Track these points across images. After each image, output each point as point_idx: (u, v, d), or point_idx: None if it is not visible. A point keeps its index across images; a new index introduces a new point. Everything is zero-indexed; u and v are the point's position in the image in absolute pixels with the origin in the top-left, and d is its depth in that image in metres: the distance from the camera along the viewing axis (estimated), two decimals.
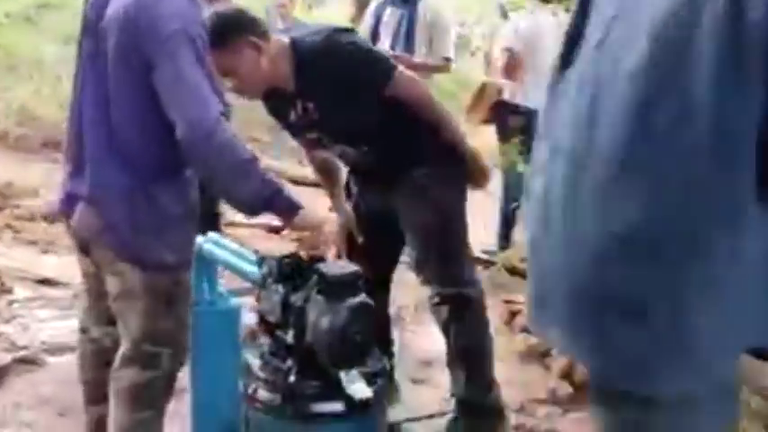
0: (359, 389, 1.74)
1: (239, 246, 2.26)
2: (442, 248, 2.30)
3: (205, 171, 1.78)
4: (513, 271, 4.32)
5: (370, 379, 1.79)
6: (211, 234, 2.34)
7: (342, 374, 1.75)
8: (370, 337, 1.74)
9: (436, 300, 2.28)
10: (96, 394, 2.18)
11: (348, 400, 1.73)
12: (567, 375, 3.08)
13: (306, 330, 1.73)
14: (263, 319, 1.86)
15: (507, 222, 4.55)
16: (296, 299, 1.77)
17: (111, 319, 2.03)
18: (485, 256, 4.35)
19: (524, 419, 2.76)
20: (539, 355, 3.24)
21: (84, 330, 2.19)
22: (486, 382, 2.35)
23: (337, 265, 1.77)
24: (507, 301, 3.75)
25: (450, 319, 2.27)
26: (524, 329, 3.51)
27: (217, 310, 2.35)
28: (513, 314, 3.64)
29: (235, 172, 1.74)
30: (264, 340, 1.90)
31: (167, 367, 1.98)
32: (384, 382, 1.83)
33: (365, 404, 1.74)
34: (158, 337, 1.94)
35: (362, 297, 1.74)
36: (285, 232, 5.38)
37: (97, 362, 2.17)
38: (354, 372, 1.76)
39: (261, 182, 1.78)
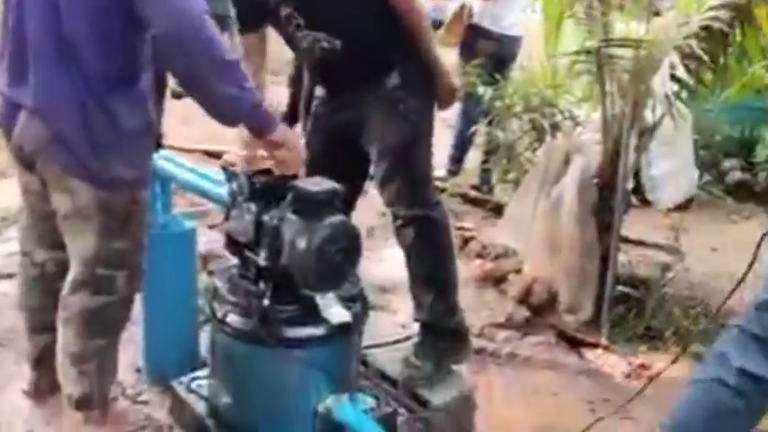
0: (336, 313, 1.66)
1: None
2: (411, 167, 2.20)
3: (188, 68, 1.59)
4: (464, 198, 4.30)
5: (347, 302, 1.70)
6: (163, 152, 2.17)
7: (318, 298, 1.66)
8: (349, 259, 1.64)
9: (401, 222, 2.19)
10: (40, 322, 2.04)
11: (325, 324, 1.65)
12: (523, 300, 3.09)
13: (281, 251, 1.61)
14: (231, 240, 1.73)
15: (462, 147, 4.49)
16: (269, 218, 1.65)
17: (56, 242, 1.87)
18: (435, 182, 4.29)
19: (484, 343, 2.76)
20: (494, 281, 3.23)
21: (25, 254, 2.02)
22: (451, 305, 2.30)
23: (313, 181, 1.65)
24: (459, 228, 3.72)
25: (416, 241, 2.19)
26: (479, 255, 3.51)
27: (172, 233, 2.20)
28: (467, 240, 3.62)
29: (220, 71, 1.58)
30: (232, 262, 1.78)
31: (123, 291, 1.85)
32: (361, 306, 1.74)
33: (343, 328, 1.66)
34: (113, 259, 1.80)
35: (340, 216, 1.64)
36: (227, 157, 5.20)
37: (41, 287, 2.01)
38: (331, 295, 1.67)
39: (243, 88, 1.63)
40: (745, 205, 4.79)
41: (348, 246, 1.63)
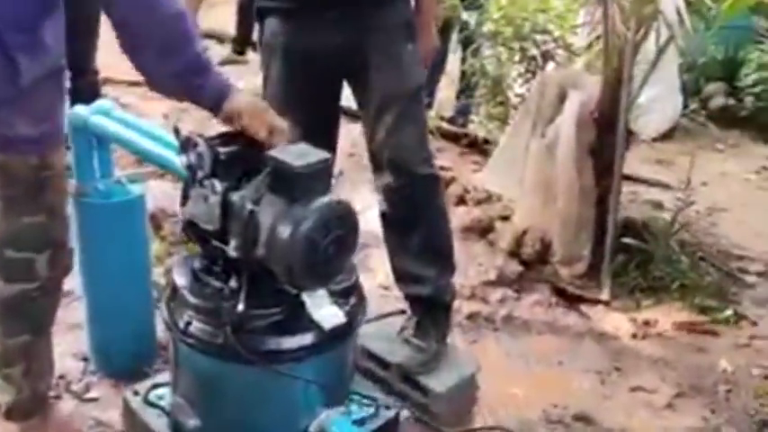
0: (329, 314, 1.33)
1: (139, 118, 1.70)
2: (419, 119, 1.86)
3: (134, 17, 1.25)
4: (438, 132, 3.93)
5: (339, 299, 1.37)
6: (102, 102, 1.75)
7: (305, 297, 1.33)
8: (344, 247, 1.30)
9: (405, 182, 1.84)
10: None
11: (316, 329, 1.32)
12: (514, 253, 2.81)
13: (256, 241, 1.26)
14: (190, 226, 1.37)
15: (433, 77, 4.09)
16: (240, 199, 1.29)
17: None
18: None
19: (478, 307, 2.48)
20: (481, 231, 2.93)
21: None
22: (452, 275, 2.00)
23: (296, 151, 1.28)
24: (440, 168, 3.37)
25: (422, 206, 1.87)
26: (461, 200, 3.19)
27: (114, 202, 1.82)
28: (447, 183, 3.28)
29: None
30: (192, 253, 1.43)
31: (44, 276, 1.51)
32: (357, 301, 1.42)
33: (338, 333, 1.33)
34: (25, 238, 1.46)
35: (332, 195, 1.29)
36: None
37: None
38: (322, 292, 1.33)
39: (193, 61, 1.31)
40: (729, 132, 4.56)
41: (343, 232, 1.29)
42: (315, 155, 1.28)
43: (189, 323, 1.31)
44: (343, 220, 1.28)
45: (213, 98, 1.33)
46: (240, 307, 1.28)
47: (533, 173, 2.79)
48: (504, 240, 2.83)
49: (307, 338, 1.32)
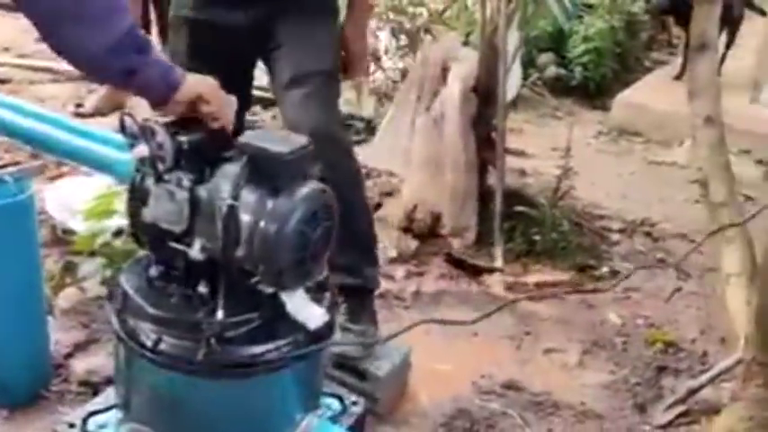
0: (312, 314, 1.21)
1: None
2: (326, 103, 1.76)
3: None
4: None
5: (315, 294, 1.26)
6: None
7: (285, 297, 1.20)
8: (327, 240, 1.19)
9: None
10: None
11: (298, 331, 1.20)
12: (406, 228, 2.80)
13: (237, 240, 1.11)
14: (147, 230, 1.18)
15: None
16: (211, 193, 1.13)
17: None
18: None
19: (386, 285, 2.43)
20: (372, 208, 2.88)
21: None
22: (377, 264, 1.96)
23: (273, 137, 1.14)
24: None
25: (344, 194, 1.78)
26: None
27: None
28: None
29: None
30: (143, 257, 1.24)
31: None
32: (331, 294, 1.31)
33: (320, 333, 1.22)
34: None
35: (315, 183, 1.17)
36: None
37: None
38: (300, 291, 1.22)
39: (129, 34, 1.09)
40: (563, 101, 4.87)
41: (330, 223, 1.18)
42: (294, 140, 1.16)
43: (159, 339, 1.14)
44: (329, 209, 1.18)
45: (163, 81, 1.14)
46: (219, 315, 1.13)
47: (421, 147, 2.79)
48: (395, 216, 2.81)
49: (291, 342, 1.19)
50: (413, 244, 2.72)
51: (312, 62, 1.75)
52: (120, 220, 2.10)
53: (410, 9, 2.92)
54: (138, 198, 1.16)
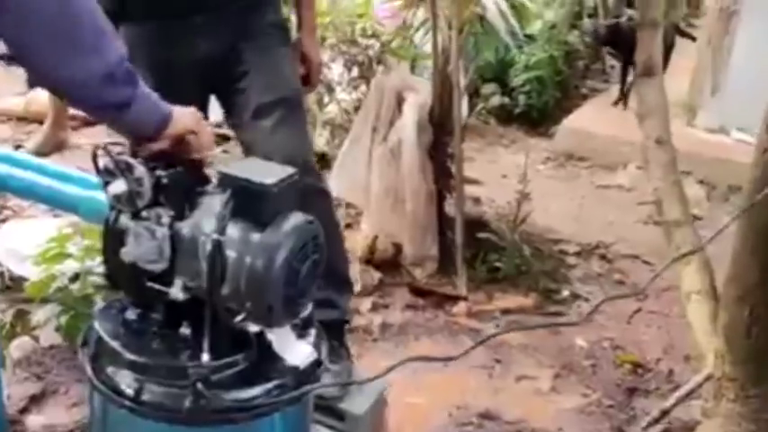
0: (300, 352, 1.16)
1: None
2: (296, 128, 1.72)
3: (35, 30, 0.95)
4: None
5: (302, 332, 1.21)
6: None
7: (271, 335, 1.15)
8: (315, 273, 1.15)
9: None
10: None
11: (287, 371, 1.15)
12: (368, 260, 2.76)
13: (223, 277, 1.06)
14: (115, 268, 1.11)
15: None
16: (194, 230, 1.07)
17: None
18: None
19: (354, 319, 2.38)
20: None
21: None
22: (352, 295, 1.92)
23: (255, 167, 1.10)
24: None
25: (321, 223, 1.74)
26: None
27: None
28: None
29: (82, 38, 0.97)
30: (118, 299, 1.17)
31: None
32: (317, 330, 1.26)
33: (309, 371, 1.17)
34: None
35: (301, 214, 1.12)
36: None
37: None
38: (286, 328, 1.17)
39: (122, 64, 1.04)
40: (508, 129, 4.95)
41: (318, 256, 1.14)
42: (278, 169, 1.11)
43: (140, 387, 1.06)
44: (317, 241, 1.13)
45: (155, 114, 1.09)
46: (205, 357, 1.07)
47: (379, 178, 2.76)
48: (358, 247, 2.77)
49: (280, 383, 1.14)
50: (376, 276, 2.69)
51: (278, 89, 1.72)
52: (75, 264, 2.01)
53: (362, 41, 2.92)
54: (114, 238, 1.09)
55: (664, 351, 2.53)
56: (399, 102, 2.80)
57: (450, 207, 2.91)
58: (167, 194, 1.08)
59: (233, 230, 1.06)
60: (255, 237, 1.06)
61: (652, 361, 2.47)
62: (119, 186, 1.05)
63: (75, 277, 1.96)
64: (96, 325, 1.14)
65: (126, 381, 1.08)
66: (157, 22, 1.64)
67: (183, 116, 1.10)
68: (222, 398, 1.08)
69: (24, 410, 1.80)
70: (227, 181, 1.07)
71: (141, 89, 1.07)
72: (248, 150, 1.73)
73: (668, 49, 4.65)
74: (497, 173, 4.13)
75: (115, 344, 1.11)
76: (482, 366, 2.30)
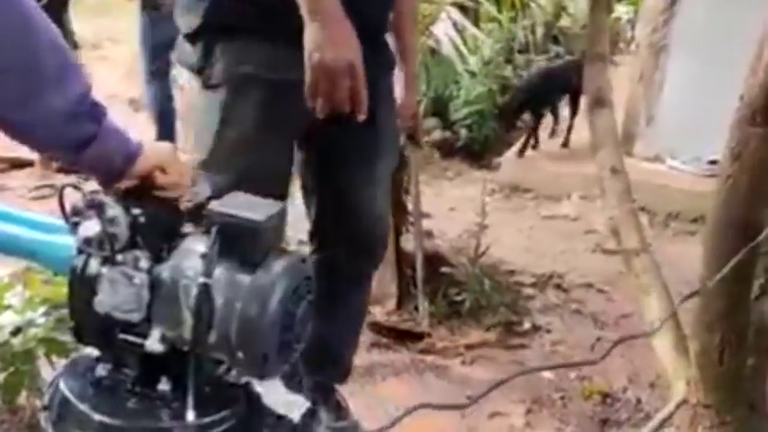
0: (291, 403, 1.06)
1: None
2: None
3: None
4: None
5: (290, 381, 1.11)
6: None
7: (260, 388, 1.04)
8: (307, 317, 1.05)
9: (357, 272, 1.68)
10: None
11: (279, 425, 1.04)
12: None
13: (211, 326, 0.95)
14: (85, 321, 0.99)
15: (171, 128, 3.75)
16: (175, 274, 0.96)
17: None
18: None
19: None
20: None
21: None
22: None
23: (242, 203, 1.00)
24: None
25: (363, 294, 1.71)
26: None
27: None
28: None
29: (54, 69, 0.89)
30: (85, 355, 1.04)
31: None
32: (300, 376, 1.16)
33: (308, 422, 1.07)
34: None
35: (292, 254, 1.03)
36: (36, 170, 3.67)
37: None
38: (276, 380, 1.06)
39: (86, 97, 0.94)
40: (451, 161, 4.96)
41: (312, 297, 1.04)
42: (264, 203, 1.02)
43: None
44: (309, 282, 1.04)
45: (121, 152, 0.98)
46: (190, 417, 0.96)
47: None
48: None
49: None
50: None
51: (394, 145, 1.73)
52: (15, 317, 1.84)
53: None
54: (83, 286, 0.97)
55: (629, 380, 2.51)
56: None
57: (407, 242, 2.85)
58: (144, 235, 0.97)
59: (220, 272, 0.96)
60: (245, 279, 0.96)
61: (619, 390, 2.45)
62: (90, 228, 0.94)
63: (16, 331, 1.79)
64: (61, 384, 1.00)
65: None
66: (278, 38, 1.44)
67: (153, 152, 1.00)
68: None
69: None
70: (214, 218, 0.97)
71: (108, 124, 0.97)
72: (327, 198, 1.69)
73: (577, 92, 4.66)
74: (445, 206, 4.12)
75: (83, 406, 0.98)
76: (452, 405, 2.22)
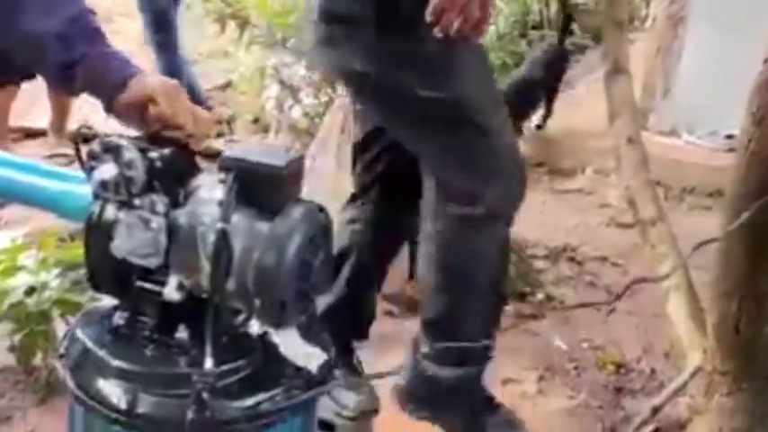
0: (309, 354, 1.05)
1: None
2: None
3: None
4: (205, 154, 3.60)
5: (308, 332, 1.10)
6: None
7: (277, 337, 1.04)
8: (326, 265, 1.04)
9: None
10: None
11: (296, 375, 1.04)
12: None
13: (230, 273, 0.94)
14: (101, 268, 0.98)
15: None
16: (192, 220, 0.95)
17: None
18: None
19: None
20: None
21: None
22: None
23: (258, 149, 0.99)
24: None
25: None
26: None
27: None
28: None
29: None
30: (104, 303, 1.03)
31: None
32: (319, 328, 1.15)
33: (322, 375, 1.06)
34: None
35: (309, 201, 1.02)
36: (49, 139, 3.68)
37: None
38: (292, 330, 1.05)
39: (77, 20, 0.95)
40: None
41: (329, 246, 1.03)
42: (281, 151, 1.01)
43: (134, 399, 0.94)
44: (328, 231, 1.03)
45: (112, 75, 0.97)
46: (208, 364, 0.95)
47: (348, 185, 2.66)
48: None
49: (291, 388, 1.02)
50: None
51: None
52: (30, 278, 1.84)
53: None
54: (99, 231, 0.96)
55: (643, 350, 2.50)
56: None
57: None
58: (162, 179, 0.96)
59: (238, 219, 0.95)
60: (264, 226, 0.95)
61: (633, 360, 2.43)
62: (107, 171, 0.93)
63: (31, 291, 1.79)
64: (78, 332, 1.00)
65: (116, 393, 0.95)
66: None
67: (149, 81, 0.98)
68: (229, 407, 0.96)
69: None
70: (229, 164, 0.96)
71: (102, 47, 0.96)
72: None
73: (558, 74, 4.56)
74: None
75: (102, 352, 0.98)
76: None
